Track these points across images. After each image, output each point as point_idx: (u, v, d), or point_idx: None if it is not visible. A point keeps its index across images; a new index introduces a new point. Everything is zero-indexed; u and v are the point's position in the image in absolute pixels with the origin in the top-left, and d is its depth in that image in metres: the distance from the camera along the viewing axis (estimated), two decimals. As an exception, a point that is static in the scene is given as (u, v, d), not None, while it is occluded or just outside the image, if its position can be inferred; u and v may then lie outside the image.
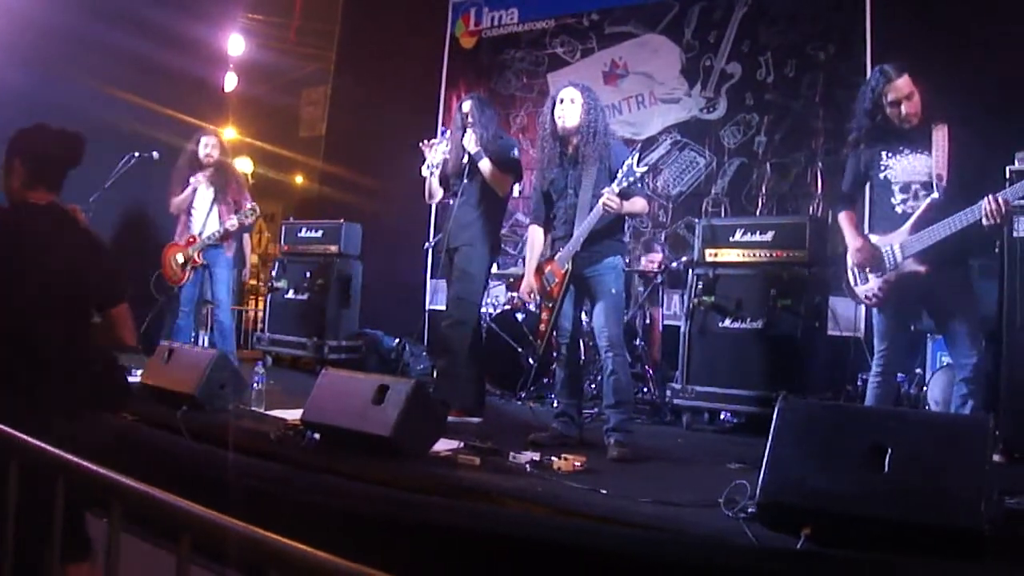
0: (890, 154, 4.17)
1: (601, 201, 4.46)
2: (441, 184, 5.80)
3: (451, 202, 5.76)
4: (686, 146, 7.76)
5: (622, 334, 4.80)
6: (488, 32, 9.31)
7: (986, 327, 4.28)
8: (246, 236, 9.50)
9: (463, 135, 5.47)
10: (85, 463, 1.58)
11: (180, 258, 6.77)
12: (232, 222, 6.66)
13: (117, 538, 1.54)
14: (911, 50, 6.10)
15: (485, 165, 5.39)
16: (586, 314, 5.13)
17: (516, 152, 5.58)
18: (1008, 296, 4.49)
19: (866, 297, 4.24)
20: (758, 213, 7.20)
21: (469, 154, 5.44)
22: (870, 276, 4.19)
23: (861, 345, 6.27)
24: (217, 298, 6.88)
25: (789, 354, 5.40)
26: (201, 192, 6.85)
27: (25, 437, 1.72)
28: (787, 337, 5.43)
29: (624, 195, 4.52)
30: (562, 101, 4.75)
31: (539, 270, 4.89)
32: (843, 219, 4.40)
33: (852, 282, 4.29)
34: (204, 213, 6.81)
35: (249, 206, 6.73)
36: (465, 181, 5.50)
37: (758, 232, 5.74)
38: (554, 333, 4.90)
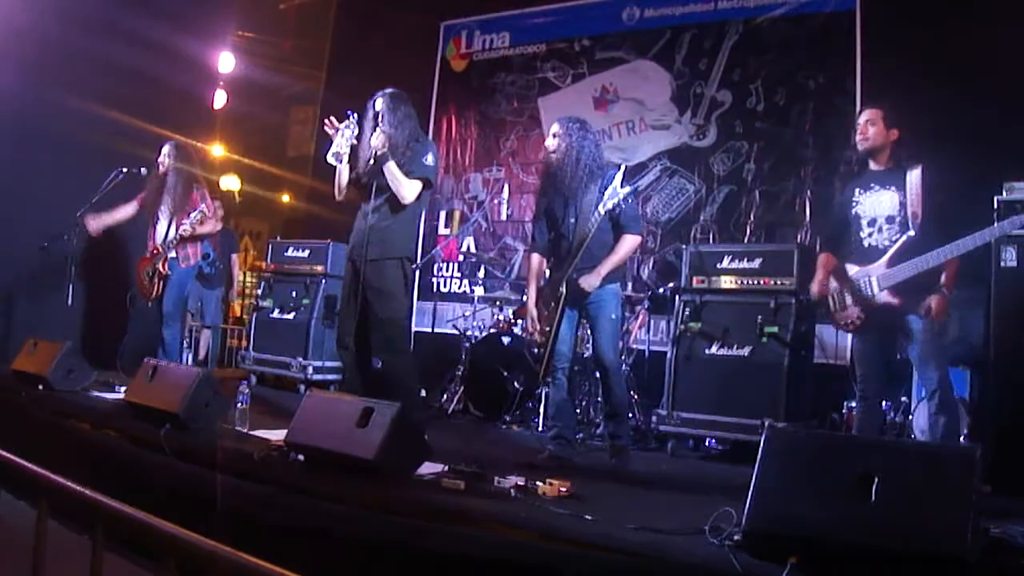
0: (862, 191, 4.45)
1: (583, 287, 4.73)
2: (353, 184, 5.31)
3: (363, 207, 5.24)
4: (675, 173, 7.79)
5: (619, 357, 5.04)
6: (479, 55, 9.35)
7: (974, 357, 4.33)
8: (234, 256, 9.47)
9: (372, 135, 5.10)
10: (69, 483, 1.56)
11: (148, 271, 6.66)
12: (184, 227, 6.47)
13: (100, 558, 1.52)
14: (899, 80, 6.18)
15: (389, 168, 4.99)
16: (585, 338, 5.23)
17: (430, 159, 5.12)
18: (995, 326, 4.52)
19: (844, 324, 4.45)
20: (746, 240, 7.23)
21: (376, 156, 5.07)
22: (848, 304, 4.39)
23: (847, 373, 6.29)
24: (164, 311, 6.65)
25: (775, 382, 5.40)
26: (164, 202, 6.71)
27: (12, 457, 1.70)
28: (774, 365, 5.44)
29: (612, 219, 4.74)
30: (549, 135, 5.02)
31: (539, 296, 5.03)
32: (819, 259, 4.70)
33: (832, 308, 4.49)
34: (165, 224, 6.68)
35: (197, 210, 6.48)
36: (375, 186, 5.12)
37: (746, 259, 5.77)
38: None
